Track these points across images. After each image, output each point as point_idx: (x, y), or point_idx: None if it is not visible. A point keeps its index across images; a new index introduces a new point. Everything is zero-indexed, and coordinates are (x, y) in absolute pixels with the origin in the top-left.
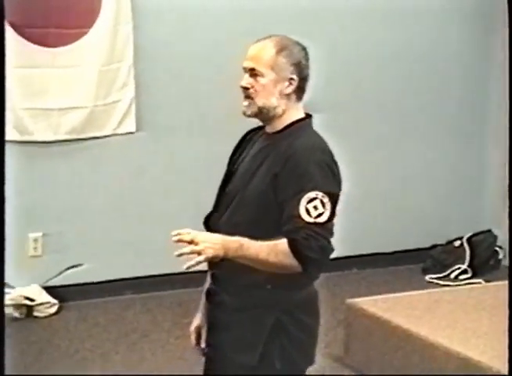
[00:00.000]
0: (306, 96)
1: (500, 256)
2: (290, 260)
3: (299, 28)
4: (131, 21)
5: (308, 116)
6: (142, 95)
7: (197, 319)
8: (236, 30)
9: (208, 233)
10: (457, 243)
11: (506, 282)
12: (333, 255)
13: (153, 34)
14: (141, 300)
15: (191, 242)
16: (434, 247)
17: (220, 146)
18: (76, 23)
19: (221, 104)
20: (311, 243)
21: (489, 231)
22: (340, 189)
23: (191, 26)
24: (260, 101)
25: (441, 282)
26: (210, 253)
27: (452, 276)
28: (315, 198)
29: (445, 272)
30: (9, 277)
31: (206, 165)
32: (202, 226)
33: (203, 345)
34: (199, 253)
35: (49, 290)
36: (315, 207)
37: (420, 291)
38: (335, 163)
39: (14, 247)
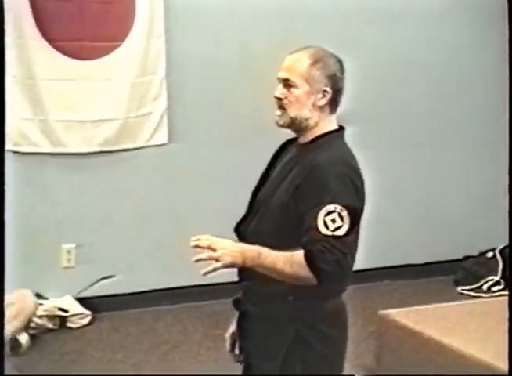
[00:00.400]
0: (340, 108)
1: None
2: (305, 272)
3: (334, 37)
4: (164, 34)
5: (341, 128)
6: (174, 107)
7: (233, 326)
8: (269, 40)
9: (227, 241)
10: (490, 254)
11: None
12: (364, 267)
13: (186, 47)
14: (172, 311)
15: (209, 248)
16: (466, 258)
17: (251, 157)
18: (109, 36)
19: (253, 116)
20: (326, 256)
21: None
22: (362, 204)
23: (223, 37)
24: (292, 112)
25: (474, 294)
26: (227, 260)
27: (485, 287)
28: (333, 211)
29: (477, 283)
30: (42, 288)
31: (237, 177)
32: (231, 237)
33: (237, 351)
34: (216, 260)
35: (82, 301)
36: (333, 221)
37: (452, 303)
38: (359, 177)
39: (48, 258)
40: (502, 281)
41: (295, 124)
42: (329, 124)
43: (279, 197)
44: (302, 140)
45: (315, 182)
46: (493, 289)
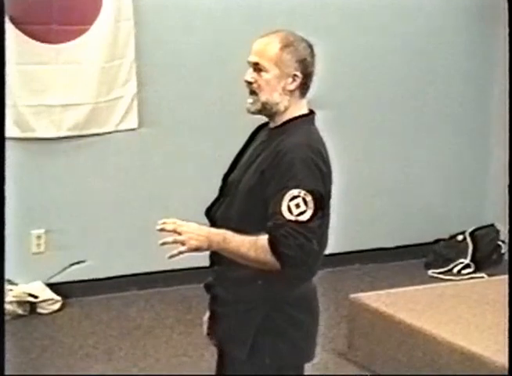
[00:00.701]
0: (311, 93)
1: (503, 250)
2: (268, 256)
3: (304, 24)
4: (133, 17)
5: (311, 113)
6: (144, 92)
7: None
8: (240, 25)
9: (194, 224)
10: (460, 237)
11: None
12: (335, 251)
13: (155, 30)
14: (144, 296)
15: (175, 232)
16: (436, 241)
17: (222, 141)
18: (78, 20)
19: (224, 100)
20: (289, 241)
21: (492, 225)
22: (328, 188)
23: (193, 21)
24: (263, 96)
25: (444, 277)
26: (193, 244)
27: (455, 270)
28: (297, 196)
29: (447, 266)
30: (11, 274)
31: (209, 161)
32: (204, 222)
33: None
34: (182, 243)
35: (52, 286)
36: (297, 205)
37: (423, 286)
38: (324, 161)
39: (17, 244)
40: (472, 264)
41: (266, 109)
42: (299, 108)
43: (246, 181)
44: (272, 125)
45: (280, 167)
46: (463, 272)
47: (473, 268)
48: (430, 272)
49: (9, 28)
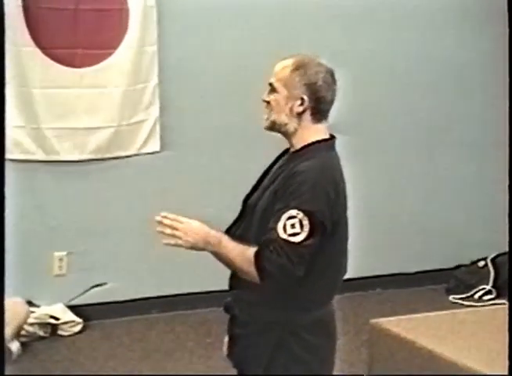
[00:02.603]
0: (331, 118)
1: None
2: (250, 267)
3: (329, 46)
4: (157, 42)
5: (331, 138)
6: (167, 115)
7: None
8: (263, 50)
9: (194, 222)
10: (481, 263)
11: None
12: (356, 275)
13: (179, 55)
14: (164, 319)
15: (172, 227)
16: (458, 267)
17: (243, 165)
18: (102, 44)
19: (246, 124)
20: (272, 257)
21: None
22: (334, 216)
23: (216, 45)
24: (272, 116)
25: (465, 303)
26: (188, 241)
27: (476, 296)
28: (294, 217)
29: (469, 292)
30: (34, 296)
31: (229, 185)
32: None
33: None
34: (179, 238)
35: (74, 309)
36: (293, 226)
37: (444, 312)
38: (335, 188)
39: (39, 265)
40: (493, 290)
41: (275, 128)
42: (315, 133)
43: (262, 203)
44: (292, 149)
45: (289, 188)
46: (485, 298)
47: (494, 294)
48: (451, 297)
49: (35, 52)
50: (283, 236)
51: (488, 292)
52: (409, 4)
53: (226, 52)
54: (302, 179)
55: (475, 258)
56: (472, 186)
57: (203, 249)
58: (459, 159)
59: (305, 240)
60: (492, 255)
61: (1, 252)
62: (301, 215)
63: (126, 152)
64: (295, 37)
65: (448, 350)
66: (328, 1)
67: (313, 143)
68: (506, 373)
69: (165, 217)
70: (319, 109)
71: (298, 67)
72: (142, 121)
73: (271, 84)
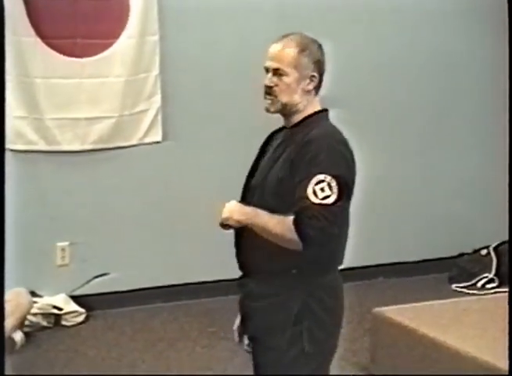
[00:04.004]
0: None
1: None
2: (292, 235)
3: (322, 29)
4: (158, 32)
5: (325, 110)
6: (169, 105)
7: (238, 319)
8: (266, 39)
9: (228, 203)
10: (484, 251)
11: None
12: (359, 264)
13: (180, 44)
14: (168, 309)
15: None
16: (460, 255)
17: (245, 155)
18: (103, 34)
19: (248, 113)
20: (313, 222)
21: None
22: (352, 175)
23: (218, 35)
24: (284, 98)
25: (468, 291)
26: (223, 217)
27: (479, 285)
28: (322, 181)
29: (471, 281)
30: (37, 286)
31: (231, 174)
32: (230, 234)
33: (246, 341)
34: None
35: (77, 299)
36: (322, 189)
37: (447, 300)
38: (348, 149)
39: (41, 256)
40: (496, 278)
41: (286, 109)
42: (314, 106)
43: (273, 176)
44: (289, 123)
45: (307, 155)
46: (487, 286)
47: (497, 282)
48: (453, 286)
49: (36, 42)
50: (316, 201)
51: (491, 280)
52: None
53: (228, 42)
54: (318, 146)
55: (478, 247)
56: (474, 173)
57: (239, 222)
58: (461, 146)
59: (337, 200)
60: (495, 244)
61: (1, 243)
62: (328, 178)
63: (128, 142)
64: (296, 28)
65: (451, 338)
66: None
67: (314, 114)
68: (507, 373)
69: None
70: (321, 83)
71: (304, 48)
72: (143, 111)
73: (277, 69)
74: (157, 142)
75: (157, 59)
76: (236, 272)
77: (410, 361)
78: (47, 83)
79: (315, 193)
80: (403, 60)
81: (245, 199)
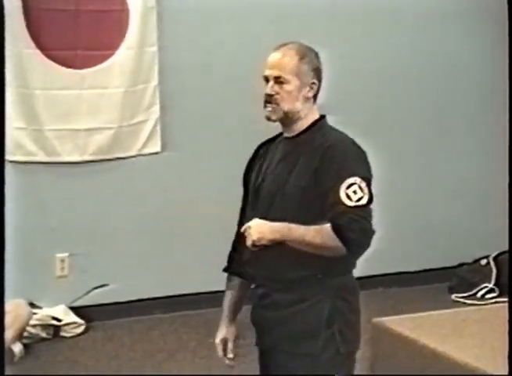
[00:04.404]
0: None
1: None
2: (335, 243)
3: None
4: (157, 42)
5: (323, 116)
6: (168, 116)
7: (222, 332)
8: (263, 49)
9: (255, 221)
10: (484, 261)
11: None
12: (359, 274)
13: (179, 55)
14: (167, 320)
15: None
16: (460, 265)
17: (244, 164)
18: (102, 45)
19: (246, 124)
20: (353, 226)
21: None
22: (372, 175)
23: (217, 45)
24: (285, 106)
25: (468, 301)
26: (255, 237)
27: (479, 295)
28: (353, 184)
29: (471, 291)
30: (36, 297)
31: (232, 184)
32: (229, 245)
33: (230, 355)
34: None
35: (76, 310)
36: (355, 192)
37: (447, 310)
38: (364, 151)
39: (41, 267)
40: (496, 288)
41: (288, 117)
42: (314, 114)
43: (294, 185)
44: (290, 133)
45: (332, 161)
46: (487, 296)
47: (497, 292)
48: (453, 296)
49: (36, 54)
50: (351, 203)
51: (491, 290)
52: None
53: (226, 52)
54: (341, 150)
55: (477, 257)
56: (474, 183)
57: (273, 240)
58: (461, 156)
59: (369, 201)
60: (495, 254)
61: (1, 254)
62: (358, 180)
63: (127, 153)
64: (295, 31)
65: (451, 349)
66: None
67: (317, 121)
68: (507, 373)
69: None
70: (319, 90)
71: (304, 55)
72: (142, 122)
73: (278, 77)
74: (156, 153)
75: (156, 69)
76: None
77: (410, 371)
78: (46, 94)
79: (348, 196)
80: (403, 61)
81: (256, 209)
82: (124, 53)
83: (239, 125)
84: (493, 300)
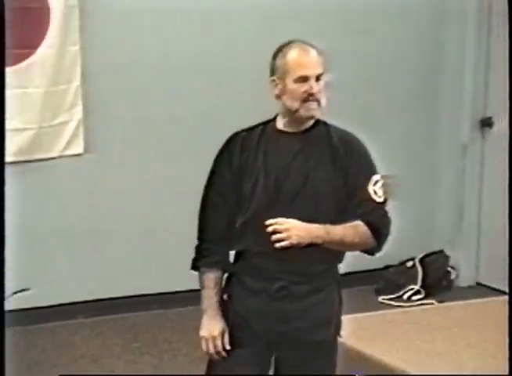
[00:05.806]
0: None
1: (452, 276)
2: (370, 239)
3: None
4: (79, 41)
5: None
6: (91, 117)
7: (218, 325)
8: (191, 49)
9: (293, 221)
10: (410, 263)
11: (459, 302)
12: None
13: (102, 54)
14: (90, 324)
15: (275, 230)
16: (386, 268)
17: (169, 167)
18: (22, 44)
19: (171, 126)
20: (384, 221)
21: (441, 252)
22: None
23: (143, 45)
24: (323, 101)
25: (394, 303)
26: (295, 238)
27: (405, 297)
28: (378, 180)
29: (397, 293)
30: None
31: (155, 187)
32: (153, 246)
33: (228, 347)
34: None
35: None
36: (380, 189)
37: (373, 313)
38: None
39: None
40: (422, 290)
41: None
42: None
43: (323, 183)
44: (300, 127)
45: (360, 159)
46: (413, 298)
47: (423, 294)
48: (380, 298)
49: None
50: (380, 200)
51: (417, 292)
52: None
53: (152, 51)
54: (363, 147)
55: (404, 259)
56: (400, 185)
57: (310, 242)
58: (384, 160)
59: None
60: (420, 255)
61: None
62: (379, 176)
63: (48, 154)
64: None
65: (378, 351)
66: None
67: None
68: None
69: (269, 224)
70: None
71: (319, 52)
72: (64, 123)
73: (320, 75)
74: (79, 155)
75: (78, 69)
76: (160, 287)
77: (338, 373)
78: None
79: (376, 193)
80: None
81: (274, 207)
82: (45, 52)
83: (164, 128)
84: (419, 302)
